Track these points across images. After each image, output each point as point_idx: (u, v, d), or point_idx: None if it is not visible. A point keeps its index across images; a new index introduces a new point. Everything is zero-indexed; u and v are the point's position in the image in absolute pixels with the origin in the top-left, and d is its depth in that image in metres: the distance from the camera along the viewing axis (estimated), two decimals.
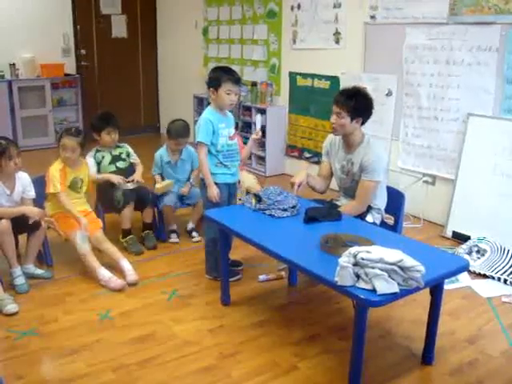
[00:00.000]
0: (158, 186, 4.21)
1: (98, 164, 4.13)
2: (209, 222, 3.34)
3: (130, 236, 4.07)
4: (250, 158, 6.21)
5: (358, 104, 3.28)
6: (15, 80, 7.28)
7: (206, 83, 3.50)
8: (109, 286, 3.44)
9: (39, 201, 3.70)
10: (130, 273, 3.54)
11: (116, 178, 4.01)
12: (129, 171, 4.19)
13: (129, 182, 4.07)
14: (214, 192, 3.37)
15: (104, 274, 3.49)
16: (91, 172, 3.99)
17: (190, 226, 4.35)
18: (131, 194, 4.01)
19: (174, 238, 4.24)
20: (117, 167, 4.17)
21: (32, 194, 3.57)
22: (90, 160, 4.05)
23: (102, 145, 4.16)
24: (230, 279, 3.37)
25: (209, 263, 3.59)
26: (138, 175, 4.15)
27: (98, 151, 4.15)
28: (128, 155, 4.28)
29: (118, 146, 4.25)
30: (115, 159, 4.19)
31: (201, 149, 3.39)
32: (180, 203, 4.33)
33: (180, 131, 4.28)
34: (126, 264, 3.59)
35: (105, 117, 4.20)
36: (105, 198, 4.13)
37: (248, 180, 4.52)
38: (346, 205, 3.42)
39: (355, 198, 3.40)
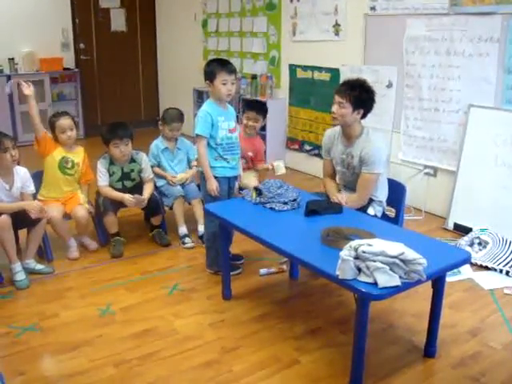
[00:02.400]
0: (175, 179, 4.15)
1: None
2: (209, 215, 3.32)
3: (116, 238, 3.92)
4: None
5: (362, 95, 3.25)
6: (14, 75, 7.24)
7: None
8: (68, 255, 3.83)
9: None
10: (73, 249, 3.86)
11: (130, 203, 3.82)
12: (134, 189, 3.95)
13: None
14: (213, 185, 3.35)
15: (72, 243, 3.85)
16: (102, 182, 3.87)
17: (203, 228, 3.98)
18: (111, 204, 3.87)
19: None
20: (123, 186, 3.96)
21: (31, 189, 3.55)
22: (101, 169, 3.89)
23: (112, 157, 3.92)
24: (231, 273, 3.36)
25: (209, 257, 3.58)
26: (145, 196, 3.88)
27: (111, 164, 3.92)
28: (140, 172, 3.99)
29: (133, 161, 3.98)
30: (124, 177, 3.96)
31: (200, 142, 3.37)
32: None
33: (174, 116, 4.23)
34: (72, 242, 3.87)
35: (113, 127, 3.91)
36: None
37: (247, 177, 4.40)
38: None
39: (356, 191, 3.38)
